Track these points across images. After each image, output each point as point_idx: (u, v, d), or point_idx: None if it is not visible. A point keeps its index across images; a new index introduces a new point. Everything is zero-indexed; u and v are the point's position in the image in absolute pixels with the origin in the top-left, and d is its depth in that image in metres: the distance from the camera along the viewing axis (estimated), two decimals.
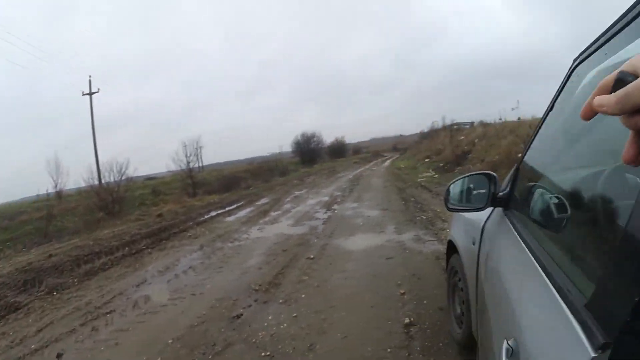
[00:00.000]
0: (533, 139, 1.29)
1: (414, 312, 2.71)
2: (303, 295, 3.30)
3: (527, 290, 1.02)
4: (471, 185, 1.49)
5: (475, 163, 11.22)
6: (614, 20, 0.82)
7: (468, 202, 1.47)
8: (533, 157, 1.35)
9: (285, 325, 2.77)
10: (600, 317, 0.56)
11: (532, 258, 1.04)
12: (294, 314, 2.93)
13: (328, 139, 47.52)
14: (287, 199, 10.79)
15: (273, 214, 8.34)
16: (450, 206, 1.47)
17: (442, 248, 4.11)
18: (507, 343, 0.80)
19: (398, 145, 52.68)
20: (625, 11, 0.78)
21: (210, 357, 2.43)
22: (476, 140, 13.33)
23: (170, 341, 2.70)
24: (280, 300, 3.24)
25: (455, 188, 1.49)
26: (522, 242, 1.19)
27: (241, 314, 3.05)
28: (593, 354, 0.52)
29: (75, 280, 4.63)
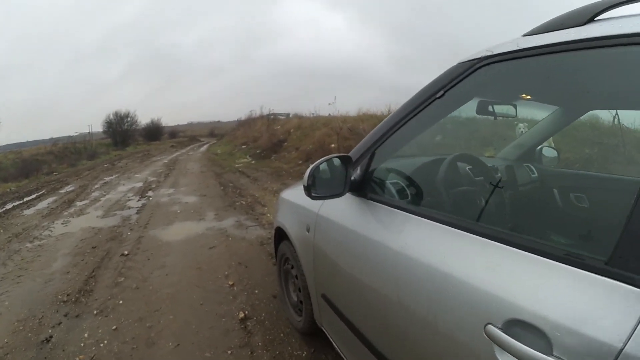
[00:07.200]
0: (398, 126, 1.24)
1: (248, 304, 2.65)
2: (121, 302, 2.78)
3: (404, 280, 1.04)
4: (325, 169, 1.34)
5: (290, 151, 12.02)
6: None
7: (325, 187, 1.32)
8: (392, 144, 1.31)
9: (106, 342, 2.26)
10: None
11: (398, 241, 1.08)
12: (114, 327, 2.42)
13: (144, 120, 43.01)
14: (96, 186, 9.14)
15: (79, 203, 6.87)
16: (314, 194, 1.29)
17: (265, 233, 4.22)
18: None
19: (215, 131, 51.44)
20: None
21: None
22: (292, 130, 14.29)
23: None
24: (95, 311, 2.63)
25: (313, 174, 1.31)
26: (383, 227, 1.20)
27: (51, 336, 2.33)
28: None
29: None
